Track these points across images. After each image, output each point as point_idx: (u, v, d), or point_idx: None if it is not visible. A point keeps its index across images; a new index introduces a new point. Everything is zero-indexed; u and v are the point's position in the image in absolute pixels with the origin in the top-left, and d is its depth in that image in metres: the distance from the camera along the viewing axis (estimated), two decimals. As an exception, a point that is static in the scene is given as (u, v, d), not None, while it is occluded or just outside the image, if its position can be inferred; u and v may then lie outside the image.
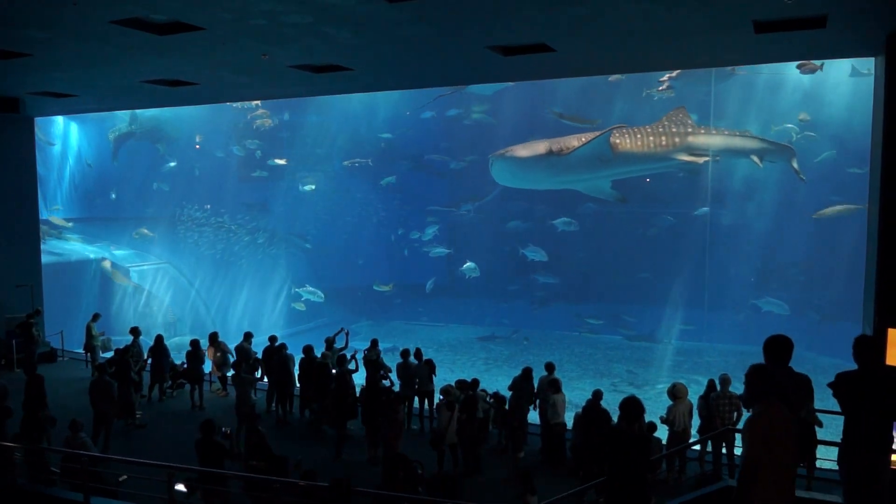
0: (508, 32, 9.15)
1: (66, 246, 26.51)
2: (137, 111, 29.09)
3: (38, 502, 8.51)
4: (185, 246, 30.79)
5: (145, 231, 29.83)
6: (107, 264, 26.56)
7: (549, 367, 11.53)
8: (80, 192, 31.87)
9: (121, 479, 8.64)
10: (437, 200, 31.78)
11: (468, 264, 28.09)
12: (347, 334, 13.31)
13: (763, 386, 4.69)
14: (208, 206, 31.28)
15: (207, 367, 13.86)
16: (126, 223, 30.63)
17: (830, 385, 5.49)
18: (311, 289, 29.41)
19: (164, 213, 31.34)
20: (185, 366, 13.61)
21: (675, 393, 9.69)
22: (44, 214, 26.49)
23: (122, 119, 31.04)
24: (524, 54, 10.16)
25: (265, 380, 13.02)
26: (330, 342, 13.13)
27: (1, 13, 8.19)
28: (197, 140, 32.58)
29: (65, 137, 31.35)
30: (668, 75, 24.63)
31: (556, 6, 7.90)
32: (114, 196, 31.35)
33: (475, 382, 11.12)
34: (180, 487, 7.82)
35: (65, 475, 8.69)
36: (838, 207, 23.59)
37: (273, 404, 12.89)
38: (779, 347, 5.27)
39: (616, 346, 28.07)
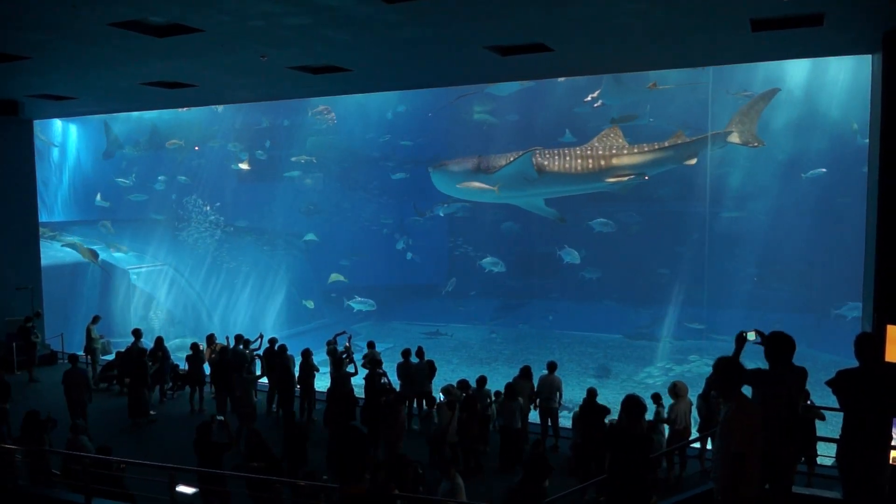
0: (506, 32, 9.16)
1: (65, 248, 26.49)
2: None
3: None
4: (185, 247, 30.79)
5: (107, 224, 29.70)
6: (77, 244, 26.58)
7: (551, 366, 11.56)
8: (80, 194, 31.90)
9: (122, 465, 8.66)
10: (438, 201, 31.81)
11: (489, 258, 28.09)
12: (350, 338, 13.29)
13: (738, 379, 4.91)
14: (208, 207, 31.29)
15: (208, 368, 13.87)
16: (125, 225, 30.63)
17: (830, 382, 5.53)
18: (360, 299, 29.36)
19: (164, 215, 31.35)
20: (187, 369, 13.63)
21: (676, 391, 9.70)
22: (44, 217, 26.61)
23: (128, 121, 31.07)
24: (522, 54, 10.18)
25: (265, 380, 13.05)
26: (332, 345, 13.15)
27: (-1, 16, 8.21)
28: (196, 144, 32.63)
29: (63, 139, 31.38)
30: (594, 93, 24.79)
31: (554, 6, 7.92)
32: (100, 198, 31.10)
33: (482, 380, 11.12)
34: (182, 489, 7.84)
35: (65, 476, 8.71)
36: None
37: (273, 405, 12.90)
38: (783, 345, 5.41)
39: (617, 344, 28.10)
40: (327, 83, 12.52)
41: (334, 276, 30.32)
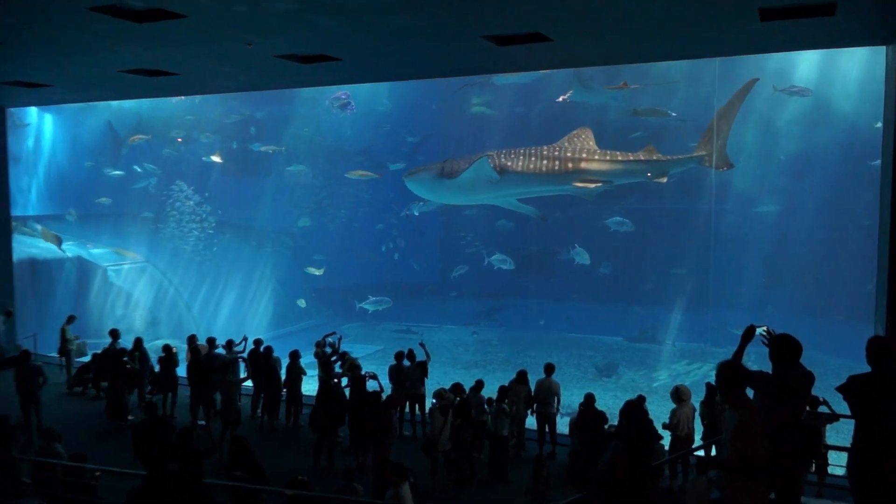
0: (503, 21, 9.11)
1: (39, 244, 26.29)
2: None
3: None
4: (166, 243, 30.62)
5: (73, 212, 29.45)
6: (41, 228, 26.38)
7: (548, 369, 11.53)
8: (55, 187, 31.66)
9: (97, 474, 8.60)
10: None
11: (497, 255, 28.15)
12: (340, 339, 13.24)
13: (743, 382, 4.88)
14: (191, 202, 31.12)
15: (182, 370, 13.68)
16: (104, 220, 30.43)
17: (841, 388, 5.51)
18: (374, 298, 29.00)
19: (145, 210, 31.16)
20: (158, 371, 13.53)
21: (679, 395, 9.70)
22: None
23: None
24: (519, 44, 10.14)
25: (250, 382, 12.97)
26: (321, 346, 13.09)
27: (-31, -1, 8.12)
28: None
29: (39, 130, 31.15)
30: (566, 94, 24.82)
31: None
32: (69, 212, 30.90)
33: (479, 384, 11.11)
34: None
35: (37, 486, 8.62)
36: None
37: (259, 410, 12.84)
38: (789, 349, 5.40)
39: (618, 347, 28.14)
40: (316, 73, 12.46)
41: (311, 270, 30.16)
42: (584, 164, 21.83)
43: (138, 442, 8.97)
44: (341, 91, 28.21)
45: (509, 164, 21.92)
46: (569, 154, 21.89)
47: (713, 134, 21.13)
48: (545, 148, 22.25)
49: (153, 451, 8.47)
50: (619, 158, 21.80)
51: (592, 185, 21.66)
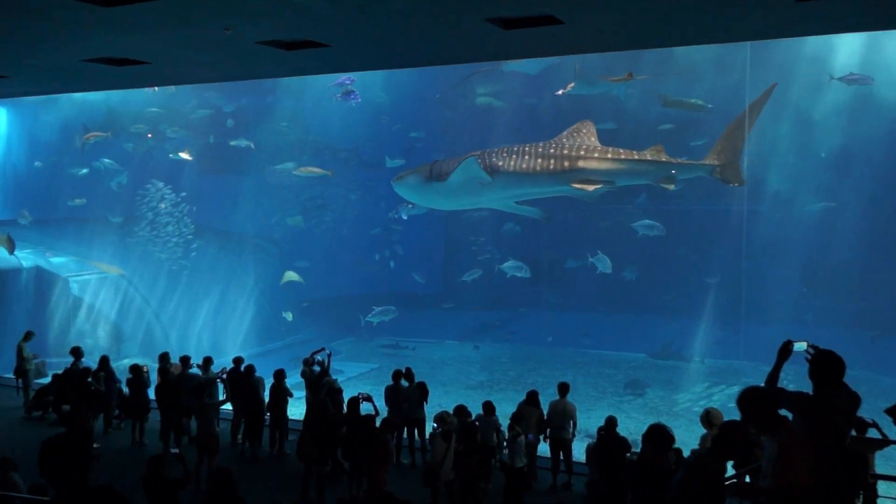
0: (510, 2, 9.14)
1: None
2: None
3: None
4: (135, 252, 30.62)
5: (25, 213, 29.45)
6: None
7: (562, 389, 11.53)
8: (12, 189, 31.73)
9: None
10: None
11: (511, 262, 28.14)
12: (330, 355, 13.26)
13: (774, 405, 4.85)
14: (162, 206, 31.15)
15: (152, 393, 13.69)
16: (66, 225, 30.45)
17: (891, 410, 5.51)
18: (379, 309, 28.96)
19: (111, 212, 31.19)
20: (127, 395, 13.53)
21: (710, 419, 9.68)
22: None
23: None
24: (528, 27, 10.15)
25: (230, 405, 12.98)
26: (309, 363, 13.11)
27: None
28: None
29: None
30: (569, 85, 24.86)
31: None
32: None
33: (489, 407, 11.09)
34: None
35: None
36: None
37: (239, 436, 12.84)
38: (832, 366, 5.36)
39: (640, 364, 28.12)
40: (302, 60, 12.49)
41: (289, 276, 30.06)
42: (582, 163, 21.70)
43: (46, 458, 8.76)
44: (344, 76, 27.73)
45: (500, 163, 21.88)
46: (566, 151, 21.81)
47: (730, 143, 21.00)
48: (540, 145, 22.21)
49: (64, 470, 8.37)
50: (622, 157, 21.62)
51: (591, 188, 21.54)
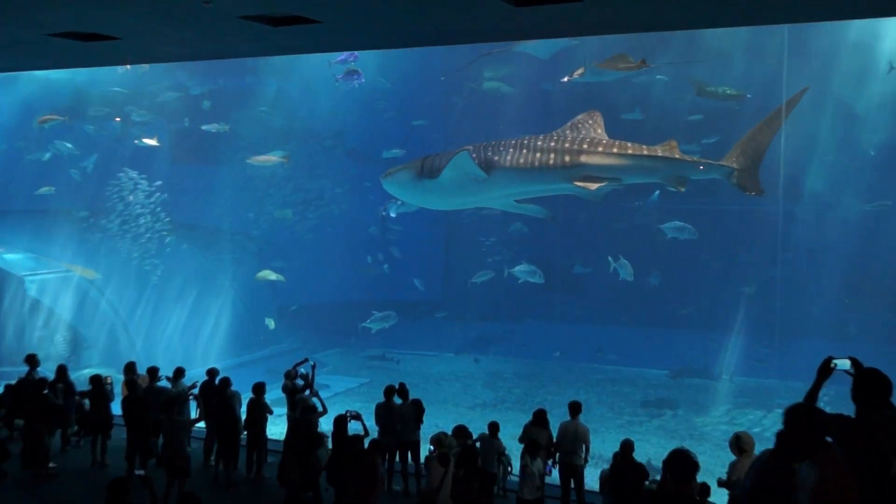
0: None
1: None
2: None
3: None
4: (101, 248, 30.62)
5: None
6: None
7: (574, 409, 11.51)
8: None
9: None
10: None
11: (523, 266, 28.10)
12: (314, 367, 13.25)
13: (819, 433, 4.82)
14: (131, 198, 31.15)
15: (117, 407, 13.65)
16: (23, 217, 30.46)
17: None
18: (379, 315, 29.02)
19: (71, 206, 31.20)
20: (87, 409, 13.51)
21: (741, 446, 9.66)
22: None
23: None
24: (541, 4, 10.15)
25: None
26: (291, 376, 13.11)
27: None
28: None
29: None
30: (578, 71, 24.77)
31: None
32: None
33: (494, 427, 11.08)
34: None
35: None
36: None
37: (213, 457, 12.83)
38: (877, 386, 5.37)
39: (661, 383, 28.12)
40: (288, 38, 12.48)
41: (265, 274, 30.02)
42: (585, 158, 21.60)
43: None
44: (346, 53, 27.30)
45: (496, 158, 21.74)
46: (567, 145, 21.73)
47: (754, 145, 20.91)
48: (540, 138, 22.13)
49: None
50: (630, 152, 21.40)
51: (594, 186, 21.43)
